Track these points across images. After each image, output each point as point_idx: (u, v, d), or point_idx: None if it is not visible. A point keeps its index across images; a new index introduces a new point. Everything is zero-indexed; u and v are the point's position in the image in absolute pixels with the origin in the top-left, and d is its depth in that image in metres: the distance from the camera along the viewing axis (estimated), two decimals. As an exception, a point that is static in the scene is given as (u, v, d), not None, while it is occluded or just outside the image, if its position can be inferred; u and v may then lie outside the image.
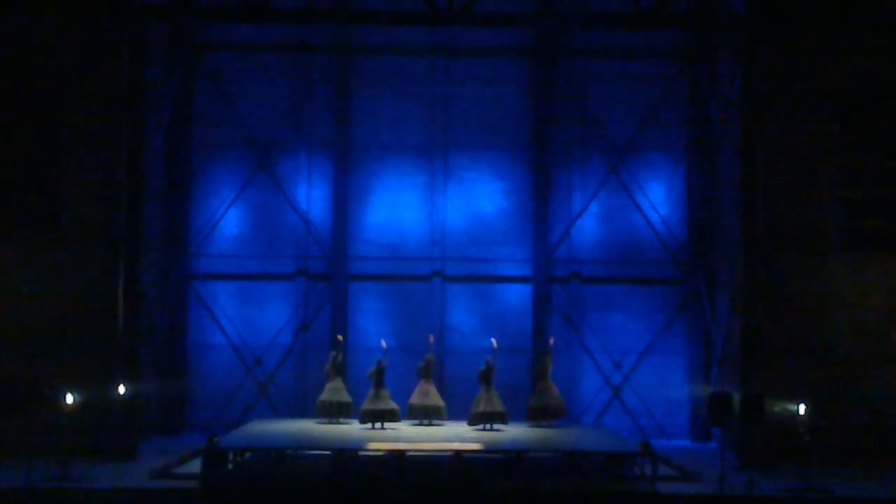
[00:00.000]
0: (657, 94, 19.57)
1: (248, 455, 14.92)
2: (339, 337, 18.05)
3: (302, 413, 18.45)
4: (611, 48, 19.57)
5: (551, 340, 17.74)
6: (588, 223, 19.66)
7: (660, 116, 19.62)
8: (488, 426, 16.28)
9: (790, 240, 16.51)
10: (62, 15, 16.50)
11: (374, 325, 19.47)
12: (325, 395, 16.94)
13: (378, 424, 16.16)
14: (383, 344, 17.14)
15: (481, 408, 16.41)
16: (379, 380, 16.49)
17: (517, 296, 19.55)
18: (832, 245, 16.59)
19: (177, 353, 19.12)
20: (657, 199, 19.63)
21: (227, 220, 19.60)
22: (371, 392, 16.48)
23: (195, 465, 14.17)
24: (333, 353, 17.33)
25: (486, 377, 16.65)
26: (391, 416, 16.25)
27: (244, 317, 19.49)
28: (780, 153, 16.54)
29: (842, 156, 16.75)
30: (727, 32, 18.11)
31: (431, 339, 17.64)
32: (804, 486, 13.51)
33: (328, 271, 19.51)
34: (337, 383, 17.01)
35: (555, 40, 19.60)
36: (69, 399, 13.99)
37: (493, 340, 17.21)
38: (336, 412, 16.76)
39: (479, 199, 19.74)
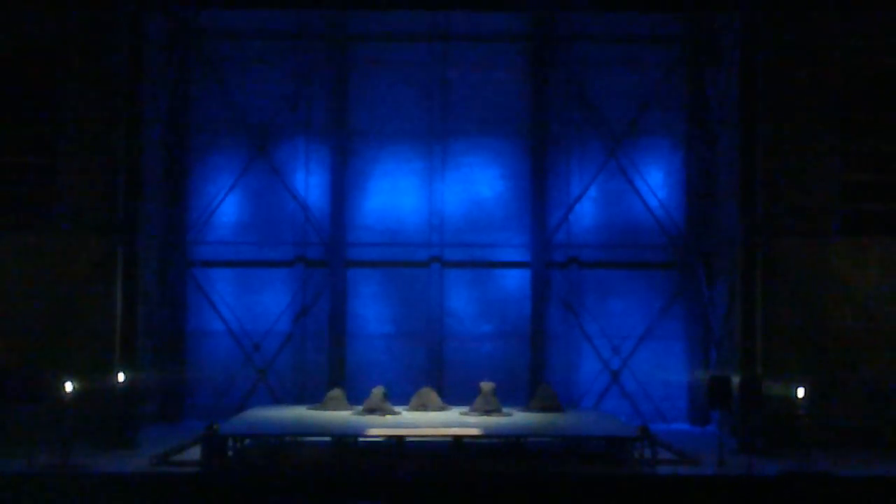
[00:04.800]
0: (656, 79, 19.51)
1: (247, 441, 14.97)
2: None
3: (301, 399, 18.47)
4: (609, 33, 19.51)
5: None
6: (587, 208, 19.62)
7: (658, 101, 19.55)
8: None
9: (789, 223, 16.53)
10: (60, 4, 16.47)
11: (372, 311, 19.47)
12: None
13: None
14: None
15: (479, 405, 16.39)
16: (381, 403, 16.44)
17: (516, 281, 19.53)
18: (832, 228, 16.60)
19: (176, 341, 19.11)
20: (656, 183, 19.59)
21: (226, 207, 19.56)
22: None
23: (195, 452, 14.23)
24: (338, 389, 17.37)
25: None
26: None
27: (243, 304, 19.47)
28: (779, 137, 16.55)
29: (841, 139, 16.75)
30: (726, 15, 18.05)
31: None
32: (803, 469, 13.54)
33: (326, 258, 19.48)
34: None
35: (553, 25, 19.52)
36: (69, 388, 14.00)
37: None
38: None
39: (477, 184, 19.69)
